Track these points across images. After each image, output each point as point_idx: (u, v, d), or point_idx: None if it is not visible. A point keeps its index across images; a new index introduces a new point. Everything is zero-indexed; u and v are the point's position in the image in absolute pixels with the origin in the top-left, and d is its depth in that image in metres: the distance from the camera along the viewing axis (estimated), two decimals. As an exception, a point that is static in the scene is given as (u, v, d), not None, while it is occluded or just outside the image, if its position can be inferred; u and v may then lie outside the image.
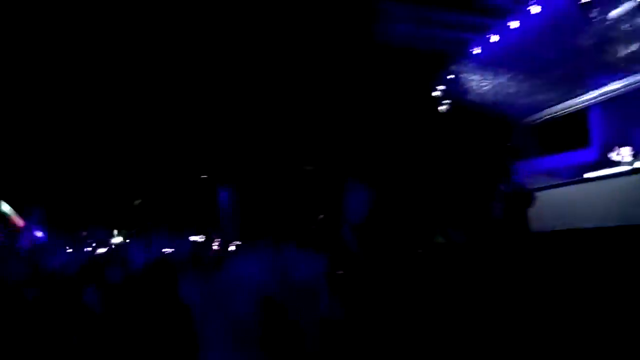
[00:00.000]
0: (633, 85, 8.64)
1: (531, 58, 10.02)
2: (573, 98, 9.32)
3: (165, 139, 15.63)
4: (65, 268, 2.96)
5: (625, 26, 7.90)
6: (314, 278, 2.65)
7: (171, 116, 15.39)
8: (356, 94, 12.31)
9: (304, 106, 13.69)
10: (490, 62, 11.26)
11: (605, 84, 9.14)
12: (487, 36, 11.04)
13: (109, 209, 13.33)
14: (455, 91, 11.92)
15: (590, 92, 9.07)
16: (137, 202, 16.68)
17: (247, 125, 15.16)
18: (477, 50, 11.64)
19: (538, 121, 9.81)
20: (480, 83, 11.52)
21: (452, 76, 12.03)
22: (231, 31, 13.86)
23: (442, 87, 12.23)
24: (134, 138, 15.40)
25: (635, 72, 8.56)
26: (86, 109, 14.68)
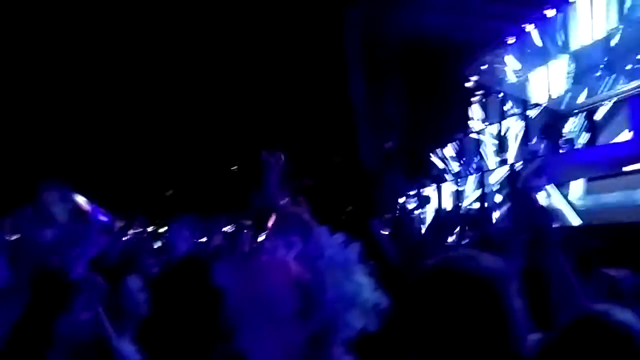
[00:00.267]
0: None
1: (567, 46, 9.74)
2: (613, 89, 9.00)
3: (197, 129, 15.88)
4: (107, 256, 3.04)
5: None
6: (345, 263, 2.63)
7: (203, 108, 15.61)
8: (388, 84, 12.18)
9: (330, 97, 13.65)
10: (527, 51, 10.99)
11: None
12: (523, 25, 10.75)
13: (144, 198, 13.67)
14: (490, 81, 11.68)
15: (633, 82, 8.73)
16: (169, 192, 17.03)
17: (276, 116, 15.23)
18: (511, 40, 11.36)
19: (577, 112, 9.50)
20: (516, 72, 11.25)
21: (486, 66, 11.79)
22: (259, 25, 13.93)
23: (475, 78, 12.00)
24: (167, 128, 15.71)
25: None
26: (128, 107, 15.06)
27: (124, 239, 3.38)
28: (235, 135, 15.96)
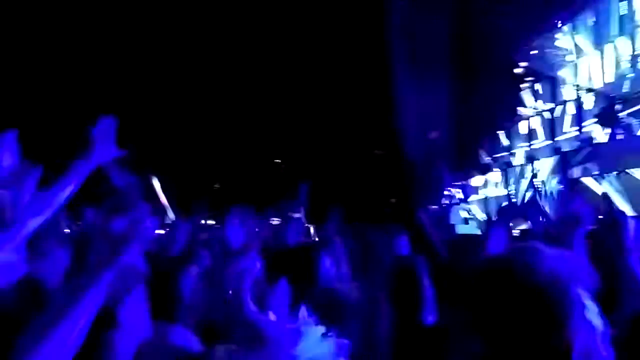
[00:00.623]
0: None
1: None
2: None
3: (245, 125, 16.15)
4: (166, 247, 3.16)
5: None
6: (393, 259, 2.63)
7: (249, 102, 15.86)
8: (433, 73, 11.93)
9: (372, 87, 13.52)
10: (580, 33, 10.51)
11: None
12: (575, 6, 10.29)
13: (192, 192, 14.07)
14: (541, 66, 11.23)
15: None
16: (216, 185, 17.46)
17: (319, 109, 15.26)
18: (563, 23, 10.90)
19: (637, 96, 8.98)
20: (568, 56, 10.78)
21: (537, 51, 11.34)
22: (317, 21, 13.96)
23: (526, 63, 11.56)
24: (216, 125, 16.07)
25: None
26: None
27: (181, 230, 3.49)
28: (279, 128, 16.14)
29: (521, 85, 12.10)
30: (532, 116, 11.91)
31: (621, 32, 9.47)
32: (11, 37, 12.90)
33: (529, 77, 11.90)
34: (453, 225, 7.07)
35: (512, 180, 11.61)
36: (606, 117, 9.19)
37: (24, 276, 1.87)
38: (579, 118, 10.39)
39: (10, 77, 12.56)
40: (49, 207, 1.88)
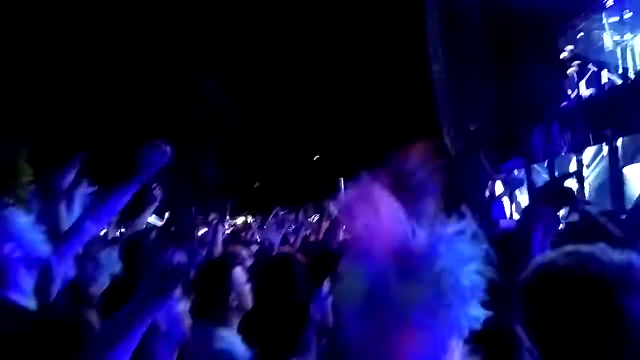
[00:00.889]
0: None
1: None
2: None
3: (283, 124, 16.28)
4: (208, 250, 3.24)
5: None
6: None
7: (288, 98, 15.95)
8: (472, 60, 11.60)
9: (411, 77, 13.29)
10: (628, 14, 9.98)
11: None
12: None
13: (231, 192, 14.30)
14: (587, 50, 10.71)
15: None
16: (256, 184, 17.68)
17: (358, 101, 15.17)
18: (610, 3, 10.38)
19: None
20: (615, 39, 10.25)
21: (582, 34, 10.84)
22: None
23: (571, 47, 11.05)
24: (254, 123, 16.27)
25: None
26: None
27: (221, 232, 3.55)
28: (317, 124, 16.16)
29: (567, 72, 11.60)
30: (577, 103, 11.40)
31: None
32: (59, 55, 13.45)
33: (574, 61, 11.39)
34: (497, 220, 6.86)
35: (558, 169, 11.15)
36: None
37: (71, 281, 1.98)
38: (627, 105, 9.86)
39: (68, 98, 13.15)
40: (104, 219, 2.08)
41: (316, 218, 5.49)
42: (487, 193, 11.38)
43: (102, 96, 14.16)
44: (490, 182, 11.66)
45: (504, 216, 9.10)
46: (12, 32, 12.41)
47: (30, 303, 1.64)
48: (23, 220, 1.72)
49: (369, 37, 14.12)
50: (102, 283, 2.25)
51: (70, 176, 2.31)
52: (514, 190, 11.88)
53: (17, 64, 12.30)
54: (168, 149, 2.08)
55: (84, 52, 13.70)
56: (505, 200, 11.04)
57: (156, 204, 2.92)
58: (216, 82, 15.72)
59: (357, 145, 15.39)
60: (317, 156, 17.76)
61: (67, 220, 2.17)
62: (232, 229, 6.90)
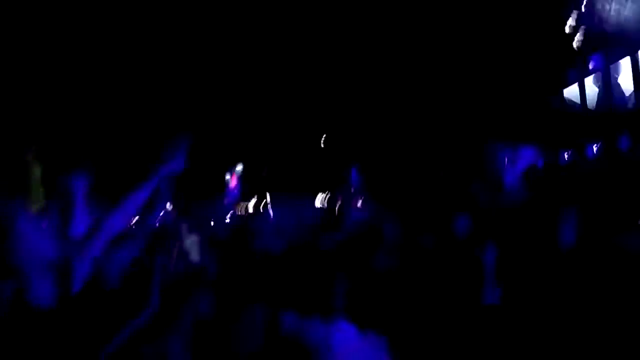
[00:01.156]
0: None
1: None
2: None
3: (293, 110, 16.20)
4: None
5: None
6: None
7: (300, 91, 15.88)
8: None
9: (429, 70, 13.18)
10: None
11: None
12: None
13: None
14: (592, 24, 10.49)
15: None
16: (264, 171, 17.64)
17: (368, 92, 15.08)
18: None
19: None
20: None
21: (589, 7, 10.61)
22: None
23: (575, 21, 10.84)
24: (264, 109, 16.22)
25: None
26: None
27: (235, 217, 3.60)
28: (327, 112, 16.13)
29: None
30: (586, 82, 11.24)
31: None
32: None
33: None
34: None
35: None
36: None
37: (91, 279, 2.01)
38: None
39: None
40: (125, 217, 2.08)
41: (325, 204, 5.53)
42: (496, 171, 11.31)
43: (112, 94, 14.15)
44: (499, 160, 11.56)
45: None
46: (25, 38, 12.42)
47: (50, 303, 1.67)
48: (35, 220, 1.73)
49: (380, 39, 14.04)
50: (117, 280, 2.28)
51: (83, 177, 2.31)
52: (524, 169, 11.76)
53: (29, 65, 12.32)
54: (186, 146, 2.09)
55: (96, 53, 13.71)
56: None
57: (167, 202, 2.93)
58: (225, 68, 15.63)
59: (364, 131, 15.34)
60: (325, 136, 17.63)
61: (80, 220, 2.18)
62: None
